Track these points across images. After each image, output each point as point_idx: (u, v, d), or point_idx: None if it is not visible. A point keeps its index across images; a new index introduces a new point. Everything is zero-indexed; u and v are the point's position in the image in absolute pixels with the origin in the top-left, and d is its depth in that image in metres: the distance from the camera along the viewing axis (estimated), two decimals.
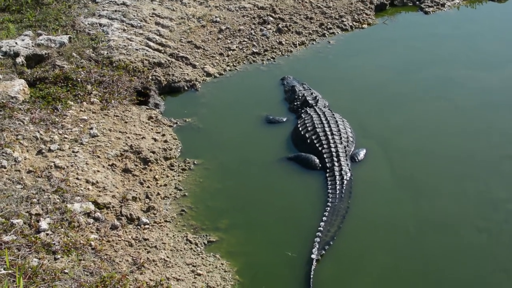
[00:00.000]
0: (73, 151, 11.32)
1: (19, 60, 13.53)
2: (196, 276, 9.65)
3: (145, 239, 10.20)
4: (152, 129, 13.04)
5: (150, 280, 9.18)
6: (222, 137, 13.33)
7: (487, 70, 15.95)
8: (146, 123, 13.15)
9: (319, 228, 10.58)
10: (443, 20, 19.26)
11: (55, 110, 12.33)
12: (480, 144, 12.98)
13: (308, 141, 12.84)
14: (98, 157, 11.51)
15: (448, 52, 17.12)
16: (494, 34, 18.28)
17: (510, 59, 16.66)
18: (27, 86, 12.84)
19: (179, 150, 12.71)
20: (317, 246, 10.18)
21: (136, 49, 15.33)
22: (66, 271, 8.45)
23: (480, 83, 15.36)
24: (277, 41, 17.21)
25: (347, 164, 12.25)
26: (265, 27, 17.61)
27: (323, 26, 18.11)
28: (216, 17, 17.61)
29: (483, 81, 15.46)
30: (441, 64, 16.38)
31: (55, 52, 14.03)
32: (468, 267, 10.02)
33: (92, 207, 10.10)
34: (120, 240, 9.90)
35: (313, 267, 9.81)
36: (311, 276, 9.66)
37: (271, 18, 17.91)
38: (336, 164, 12.17)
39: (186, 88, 15.08)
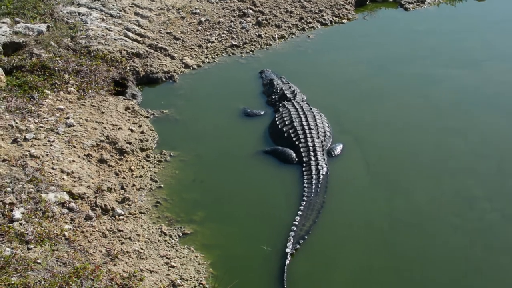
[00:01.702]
0: (48, 141, 11.25)
1: None
2: (170, 268, 9.61)
3: (120, 230, 10.15)
4: (129, 119, 12.99)
5: (124, 271, 9.13)
6: (199, 129, 13.31)
7: (465, 68, 16.02)
8: (123, 113, 13.09)
9: (294, 222, 10.58)
10: (423, 17, 19.35)
11: (32, 99, 12.25)
12: (457, 142, 13.01)
13: (285, 135, 12.84)
14: (74, 147, 11.44)
15: (427, 49, 17.18)
16: (473, 32, 18.36)
17: (488, 57, 16.72)
18: (3, 74, 12.75)
19: (155, 142, 12.68)
20: (292, 240, 10.18)
21: (115, 39, 15.26)
22: (39, 261, 8.41)
23: (458, 81, 15.41)
24: (257, 34, 17.21)
25: (324, 159, 12.27)
26: (244, 20, 17.59)
27: (303, 20, 18.13)
28: (196, 8, 17.58)
29: (461, 79, 15.51)
30: (420, 61, 16.44)
31: (32, 41, 13.94)
32: (442, 266, 10.01)
33: (66, 197, 10.04)
34: (94, 231, 9.85)
35: (287, 261, 9.80)
36: (285, 270, 9.65)
37: (251, 11, 17.89)
38: (312, 158, 12.18)
39: (164, 79, 15.06)
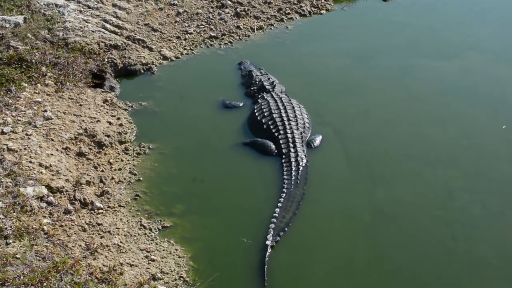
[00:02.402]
0: (26, 134, 11.16)
1: None
2: (150, 261, 9.59)
3: (99, 224, 10.11)
4: (107, 112, 12.92)
5: (104, 265, 9.09)
6: (178, 122, 13.28)
7: (444, 59, 16.09)
8: (101, 106, 13.02)
9: (274, 214, 10.58)
10: (402, 7, 19.36)
11: (9, 92, 12.13)
12: (437, 133, 13.06)
13: (265, 126, 12.83)
14: (52, 140, 11.36)
15: (406, 40, 17.20)
16: (452, 23, 18.39)
17: (467, 48, 16.77)
18: None
19: (134, 134, 12.63)
20: (272, 232, 10.18)
21: (92, 31, 15.16)
22: (18, 256, 8.34)
23: (437, 72, 15.48)
24: (235, 25, 17.17)
25: (303, 150, 12.27)
26: (223, 11, 17.54)
27: (281, 11, 18.10)
28: (174, 0, 17.49)
29: (440, 70, 15.59)
30: (399, 52, 16.48)
31: (9, 33, 13.79)
32: (423, 258, 10.04)
33: (45, 191, 9.97)
34: (73, 225, 9.80)
35: (267, 253, 9.81)
36: (266, 262, 9.66)
37: (229, 2, 17.84)
38: (292, 150, 12.18)
39: (142, 71, 15.00)
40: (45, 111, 11.95)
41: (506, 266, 10.00)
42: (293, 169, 11.75)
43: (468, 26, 18.26)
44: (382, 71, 15.47)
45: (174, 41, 16.26)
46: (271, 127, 12.76)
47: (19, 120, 11.48)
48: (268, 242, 9.98)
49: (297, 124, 12.78)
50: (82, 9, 15.97)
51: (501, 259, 10.11)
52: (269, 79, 14.56)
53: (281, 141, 12.42)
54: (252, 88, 14.42)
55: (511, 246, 10.39)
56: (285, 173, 11.73)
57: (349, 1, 19.40)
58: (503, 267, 9.98)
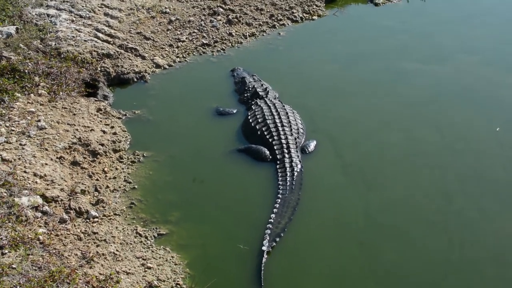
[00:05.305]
0: (20, 144, 11.14)
1: None
2: (146, 269, 9.57)
3: (94, 233, 10.09)
4: (101, 121, 12.91)
5: (100, 274, 9.07)
6: (172, 129, 13.27)
7: (436, 63, 16.09)
8: (95, 115, 13.01)
9: (269, 220, 10.58)
10: (393, 12, 19.38)
11: (2, 102, 12.11)
12: (431, 138, 13.03)
13: (259, 132, 12.82)
14: (46, 149, 11.34)
15: (397, 44, 17.19)
16: (443, 27, 18.37)
17: (459, 51, 16.78)
18: None
19: (128, 143, 12.62)
20: (268, 238, 10.18)
21: (85, 40, 15.15)
22: (14, 266, 8.31)
23: (429, 75, 15.48)
24: (227, 32, 17.18)
25: (298, 156, 12.27)
26: (215, 18, 17.55)
27: (273, 18, 18.11)
28: (165, 8, 17.50)
29: (433, 73, 15.59)
30: (392, 57, 16.47)
31: (1, 43, 13.78)
32: (418, 266, 9.98)
33: (40, 200, 9.95)
34: (69, 234, 9.78)
35: (264, 259, 9.80)
36: (262, 268, 9.65)
37: (221, 9, 17.85)
38: (286, 155, 12.18)
39: (135, 79, 14.99)
40: (39, 120, 11.93)
41: (503, 270, 9.96)
42: (288, 175, 11.74)
43: (458, 29, 18.25)
44: (375, 76, 15.47)
45: (167, 49, 16.26)
46: (265, 133, 12.75)
47: (13, 130, 11.46)
48: (264, 248, 9.97)
49: (291, 130, 12.78)
50: (74, 19, 15.95)
51: (497, 263, 10.08)
52: (262, 85, 14.56)
53: (275, 147, 12.42)
54: (245, 95, 14.42)
55: (508, 249, 10.37)
56: (280, 178, 11.73)
57: (340, 6, 19.42)
58: (500, 271, 9.94)
